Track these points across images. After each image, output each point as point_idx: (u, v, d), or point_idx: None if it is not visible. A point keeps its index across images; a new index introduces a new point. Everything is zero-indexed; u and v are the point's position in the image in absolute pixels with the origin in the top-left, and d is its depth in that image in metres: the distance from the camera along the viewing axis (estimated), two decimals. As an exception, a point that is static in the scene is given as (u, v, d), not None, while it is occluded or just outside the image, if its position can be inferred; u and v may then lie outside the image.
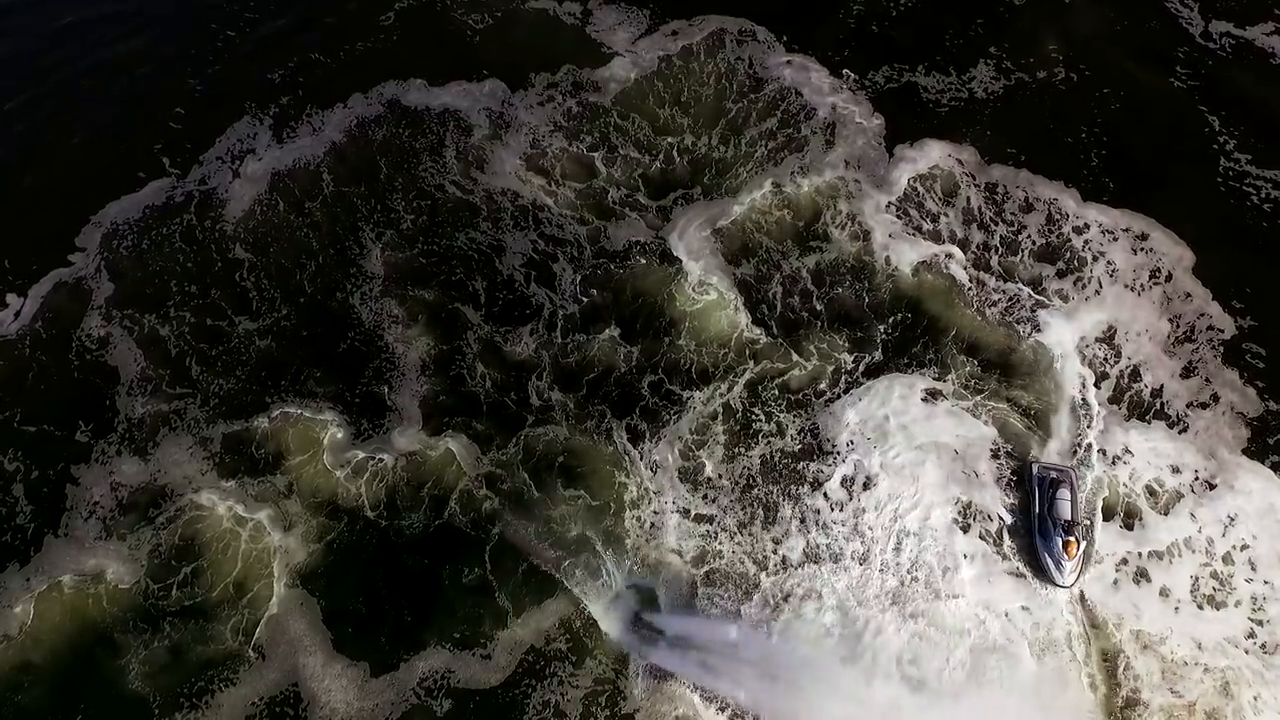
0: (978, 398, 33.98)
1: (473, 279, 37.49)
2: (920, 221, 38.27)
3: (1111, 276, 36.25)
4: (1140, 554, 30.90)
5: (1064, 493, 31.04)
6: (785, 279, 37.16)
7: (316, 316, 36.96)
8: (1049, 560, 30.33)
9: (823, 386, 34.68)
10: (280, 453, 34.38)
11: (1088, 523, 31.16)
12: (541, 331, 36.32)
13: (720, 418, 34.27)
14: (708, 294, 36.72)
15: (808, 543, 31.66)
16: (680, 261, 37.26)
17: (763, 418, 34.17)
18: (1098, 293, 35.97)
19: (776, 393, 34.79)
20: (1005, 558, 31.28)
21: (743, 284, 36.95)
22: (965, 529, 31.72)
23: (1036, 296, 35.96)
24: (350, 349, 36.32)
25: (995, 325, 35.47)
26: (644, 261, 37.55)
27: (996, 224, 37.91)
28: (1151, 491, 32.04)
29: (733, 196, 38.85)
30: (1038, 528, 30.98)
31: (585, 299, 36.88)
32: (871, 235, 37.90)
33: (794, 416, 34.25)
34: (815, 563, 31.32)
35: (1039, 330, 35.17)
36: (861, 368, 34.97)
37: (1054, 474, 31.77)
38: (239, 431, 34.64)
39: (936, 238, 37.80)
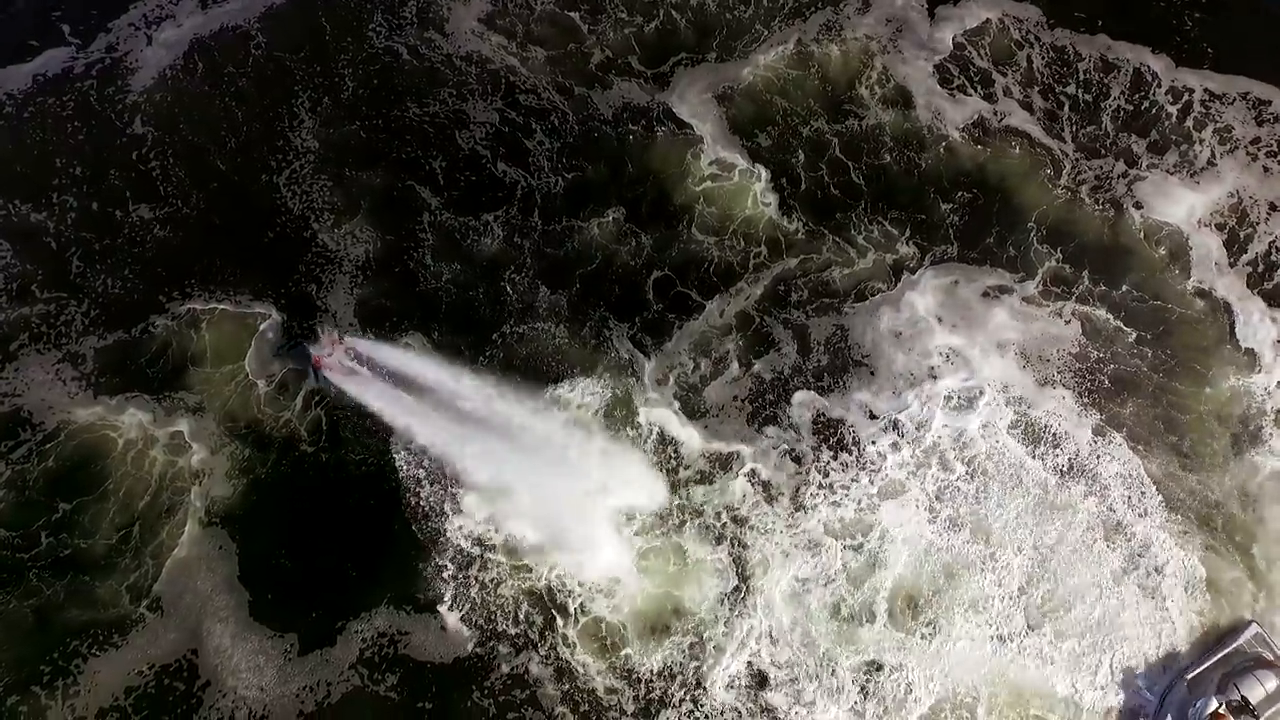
0: (1063, 304, 24.76)
1: (429, 157, 27.69)
2: (969, 83, 28.65)
3: (1227, 147, 26.77)
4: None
5: (1269, 679, 21.44)
6: (808, 146, 27.55)
7: (233, 202, 27.16)
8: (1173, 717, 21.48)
9: (879, 286, 25.55)
10: (187, 362, 24.94)
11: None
12: (516, 216, 26.75)
13: (735, 328, 25.09)
14: (736, 165, 27.28)
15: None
16: (690, 128, 27.62)
17: (779, 326, 25.13)
18: (1212, 164, 26.52)
19: (807, 295, 25.51)
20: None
21: (765, 158, 27.40)
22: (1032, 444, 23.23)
23: (1133, 171, 26.49)
24: (274, 242, 26.61)
25: (1084, 203, 26.08)
26: (645, 129, 27.90)
27: (1068, 87, 28.26)
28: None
29: (745, 59, 29.08)
30: (1197, 674, 21.73)
31: (570, 174, 27.29)
32: (913, 98, 28.33)
33: (820, 321, 25.18)
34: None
35: (1140, 208, 25.79)
36: (927, 261, 25.76)
37: (1269, 655, 22.00)
38: (130, 341, 25.11)
39: (990, 99, 28.28)
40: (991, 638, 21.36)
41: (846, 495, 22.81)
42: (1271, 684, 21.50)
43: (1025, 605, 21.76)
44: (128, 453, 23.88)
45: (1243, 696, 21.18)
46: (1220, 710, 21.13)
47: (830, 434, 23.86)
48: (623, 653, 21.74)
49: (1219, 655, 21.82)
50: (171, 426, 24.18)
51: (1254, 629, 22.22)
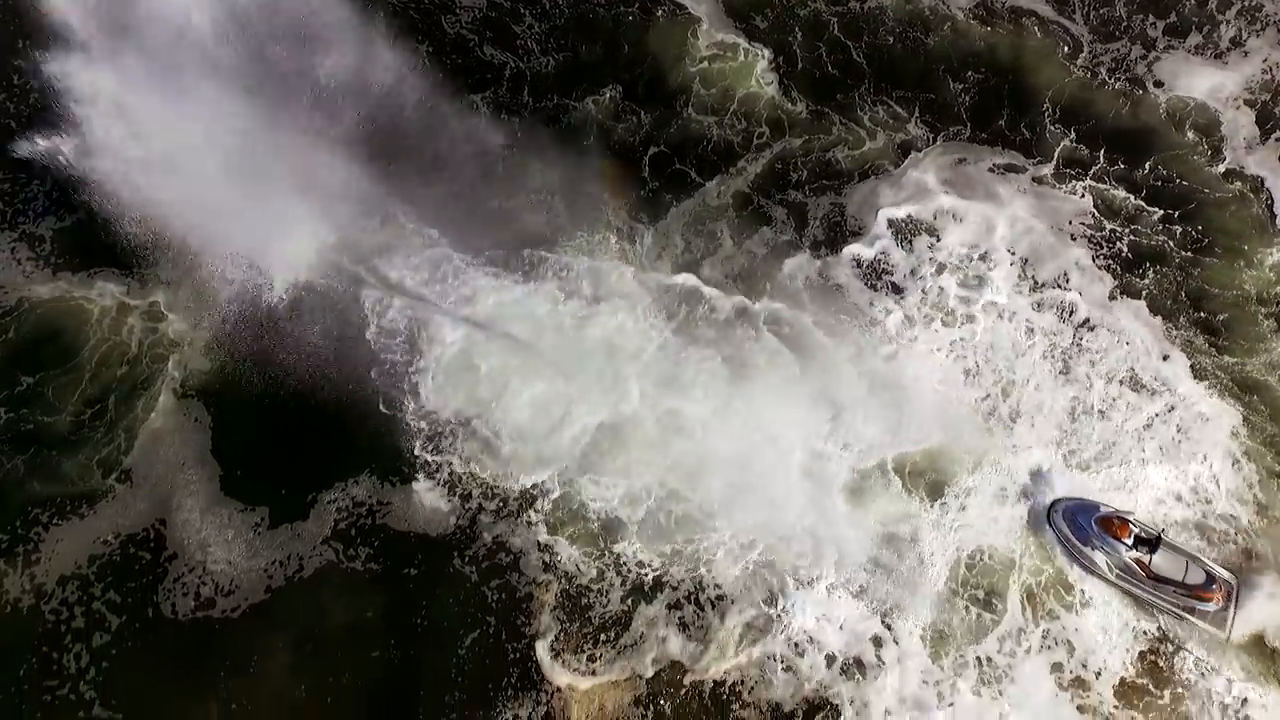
0: (1077, 183, 23.07)
1: (413, 42, 25.90)
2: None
3: (1257, 26, 25.01)
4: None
5: (1197, 575, 18.40)
6: (806, 27, 25.85)
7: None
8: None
9: (885, 165, 23.83)
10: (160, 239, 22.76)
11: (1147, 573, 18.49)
12: (505, 96, 24.96)
13: (733, 208, 23.43)
14: (737, 44, 25.57)
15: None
16: (686, 8, 25.82)
17: (778, 207, 23.61)
18: (1238, 43, 24.76)
19: (808, 175, 23.81)
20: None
21: (763, 39, 25.73)
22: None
23: (1151, 53, 24.78)
24: (249, 126, 24.73)
25: (1102, 82, 24.34)
26: (641, 11, 26.06)
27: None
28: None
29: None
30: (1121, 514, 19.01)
31: (562, 55, 25.47)
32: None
33: (820, 200, 23.52)
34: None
35: (1161, 85, 24.07)
36: (939, 140, 24.06)
37: (1217, 575, 18.70)
38: (96, 220, 22.98)
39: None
40: (1020, 493, 19.73)
41: (857, 356, 21.18)
42: (1195, 579, 18.32)
43: (1057, 457, 20.10)
44: (103, 320, 22.12)
45: (1160, 538, 18.31)
46: (1130, 522, 18.37)
47: (830, 301, 22.30)
48: (619, 544, 20.04)
49: (1165, 541, 18.65)
50: (149, 297, 22.45)
51: (1231, 579, 18.70)
